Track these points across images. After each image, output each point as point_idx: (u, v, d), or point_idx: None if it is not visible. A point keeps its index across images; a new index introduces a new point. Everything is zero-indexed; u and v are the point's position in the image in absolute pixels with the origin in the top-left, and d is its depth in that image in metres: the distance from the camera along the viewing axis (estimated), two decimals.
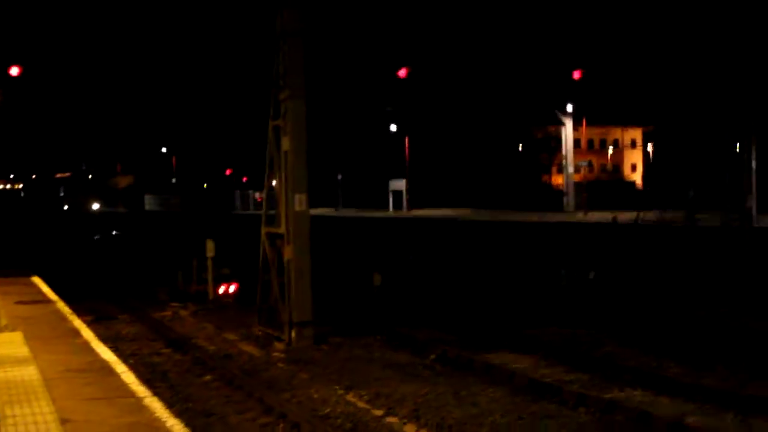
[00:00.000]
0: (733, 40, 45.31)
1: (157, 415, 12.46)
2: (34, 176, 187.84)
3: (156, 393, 14.68)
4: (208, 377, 21.03)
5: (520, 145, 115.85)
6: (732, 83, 46.02)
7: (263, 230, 27.01)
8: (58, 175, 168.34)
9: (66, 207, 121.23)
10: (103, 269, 46.64)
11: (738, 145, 47.27)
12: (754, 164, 49.52)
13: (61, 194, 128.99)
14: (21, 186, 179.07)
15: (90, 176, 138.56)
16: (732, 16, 42.50)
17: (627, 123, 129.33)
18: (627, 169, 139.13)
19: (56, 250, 59.41)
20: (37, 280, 32.43)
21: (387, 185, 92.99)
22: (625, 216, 59.30)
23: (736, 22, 44.70)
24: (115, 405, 13.07)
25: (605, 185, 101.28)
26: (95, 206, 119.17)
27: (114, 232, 79.17)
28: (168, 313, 31.87)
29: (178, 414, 13.78)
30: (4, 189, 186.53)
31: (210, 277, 34.59)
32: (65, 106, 63.61)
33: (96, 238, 73.22)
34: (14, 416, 12.19)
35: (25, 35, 39.01)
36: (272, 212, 26.91)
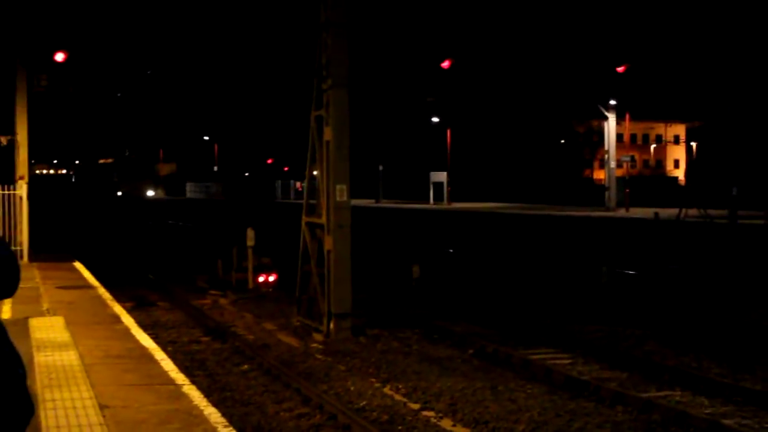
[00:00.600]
0: None
1: (195, 403, 12.53)
2: (77, 162, 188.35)
3: (194, 381, 14.77)
4: (246, 366, 21.12)
5: (562, 139, 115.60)
6: None
7: (304, 220, 27.04)
8: (101, 161, 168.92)
9: (120, 193, 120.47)
10: (145, 255, 46.82)
11: None
12: None
13: (115, 180, 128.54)
14: (72, 171, 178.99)
15: (135, 162, 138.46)
16: None
17: (670, 118, 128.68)
18: (670, 165, 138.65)
19: (102, 235, 59.59)
20: (78, 265, 32.59)
21: (428, 177, 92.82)
22: (668, 213, 59.05)
23: None
24: (154, 392, 13.15)
25: (648, 181, 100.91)
26: (150, 192, 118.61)
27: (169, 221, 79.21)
28: (207, 301, 31.99)
29: (216, 403, 13.84)
30: (54, 174, 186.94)
31: (250, 266, 34.68)
32: (109, 92, 63.57)
33: (149, 224, 73.09)
34: (53, 400, 12.27)
35: (70, 21, 39.12)
36: (313, 202, 26.94)
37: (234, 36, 47.33)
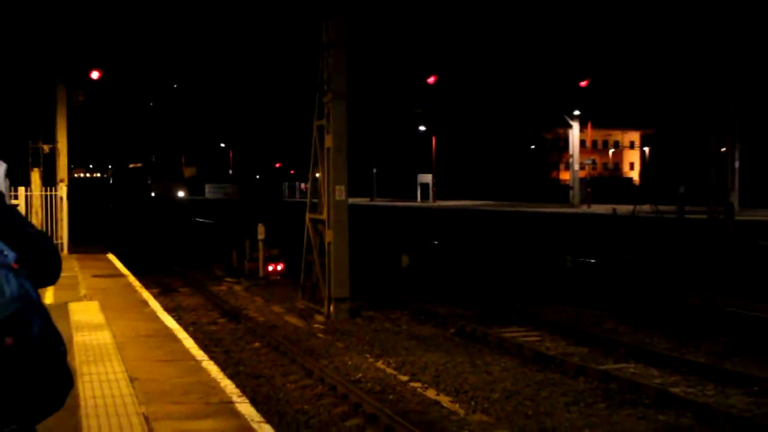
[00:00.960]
0: (721, 57, 45.13)
1: (212, 376, 12.57)
2: (110, 166, 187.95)
3: (212, 357, 14.80)
4: (257, 344, 21.15)
5: (532, 145, 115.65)
6: (719, 93, 45.79)
7: (307, 216, 27.08)
8: (131, 165, 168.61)
9: (153, 194, 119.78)
10: (170, 248, 46.80)
11: (723, 148, 47.00)
12: (737, 165, 49.28)
13: (149, 182, 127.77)
14: (107, 175, 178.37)
15: (162, 166, 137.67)
16: (719, 36, 42.26)
17: (626, 126, 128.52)
18: (626, 168, 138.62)
19: (134, 231, 59.43)
20: (111, 256, 32.61)
21: (415, 178, 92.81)
22: (624, 209, 59.07)
23: (724, 41, 44.55)
24: (177, 366, 13.20)
25: (606, 181, 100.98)
26: (181, 194, 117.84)
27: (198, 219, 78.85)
28: (223, 287, 31.99)
29: (231, 376, 13.88)
30: (91, 177, 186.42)
31: (261, 257, 34.71)
32: (138, 103, 63.62)
33: (182, 223, 72.59)
34: (90, 374, 12.32)
35: (104, 43, 39.31)
36: (315, 200, 26.98)
37: (247, 55, 47.31)
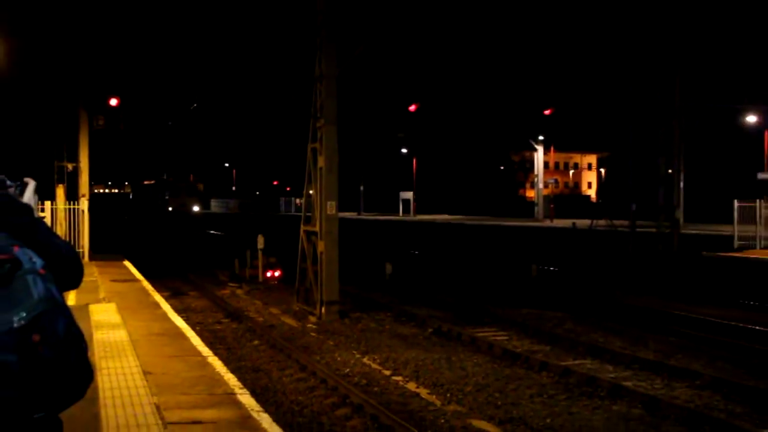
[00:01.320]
0: (668, 91, 45.39)
1: (217, 370, 12.56)
2: (126, 182, 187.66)
3: (216, 353, 14.79)
4: (256, 342, 21.13)
5: (502, 166, 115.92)
6: (667, 121, 46.03)
7: (302, 228, 27.08)
8: (145, 182, 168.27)
9: (170, 208, 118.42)
10: (180, 256, 46.71)
11: (670, 170, 47.19)
12: (681, 184, 49.51)
13: (166, 197, 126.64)
14: (125, 190, 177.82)
15: (180, 183, 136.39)
16: (661, 70, 42.42)
17: (585, 150, 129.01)
18: (584, 186, 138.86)
19: (149, 241, 59.16)
20: (127, 263, 32.53)
21: (398, 195, 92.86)
22: (582, 223, 59.17)
23: (670, 78, 44.78)
24: (186, 362, 13.18)
25: (567, 198, 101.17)
26: (196, 208, 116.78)
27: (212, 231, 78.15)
28: (227, 291, 31.95)
29: (233, 370, 13.86)
30: (111, 192, 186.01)
31: (260, 264, 34.70)
32: (151, 128, 63.74)
33: (196, 234, 71.79)
34: (108, 368, 12.30)
35: (121, 74, 39.45)
36: (309, 214, 26.98)
37: (250, 86, 47.39)
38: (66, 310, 2.98)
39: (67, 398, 3.08)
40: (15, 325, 2.82)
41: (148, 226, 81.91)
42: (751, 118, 56.39)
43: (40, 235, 3.20)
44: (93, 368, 3.11)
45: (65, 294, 3.10)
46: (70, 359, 2.98)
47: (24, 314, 2.83)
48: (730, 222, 38.24)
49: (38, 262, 2.96)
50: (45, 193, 34.40)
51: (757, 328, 21.53)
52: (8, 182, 3.39)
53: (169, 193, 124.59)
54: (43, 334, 2.86)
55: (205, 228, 79.99)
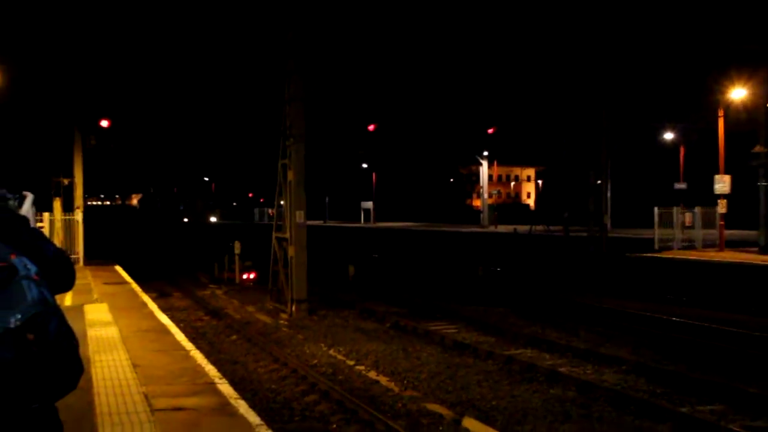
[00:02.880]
0: (597, 111, 45.75)
1: (199, 362, 12.52)
2: (116, 195, 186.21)
3: (198, 347, 14.73)
4: (234, 337, 21.06)
5: (452, 178, 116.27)
6: (595, 138, 46.41)
7: (274, 235, 27.06)
8: (133, 196, 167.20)
9: (186, 219, 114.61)
10: (166, 261, 46.42)
11: (599, 181, 47.57)
12: (609, 194, 49.94)
13: (181, 208, 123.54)
14: (136, 202, 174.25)
15: (197, 195, 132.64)
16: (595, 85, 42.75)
17: (524, 164, 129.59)
18: (524, 196, 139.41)
19: (142, 248, 58.06)
20: (118, 268, 32.32)
21: (359, 205, 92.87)
22: (522, 228, 59.49)
23: (599, 99, 45.16)
24: (171, 355, 13.11)
25: (509, 207, 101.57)
26: (213, 219, 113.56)
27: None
28: (208, 292, 31.80)
29: (214, 362, 13.79)
30: (104, 204, 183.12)
31: (237, 268, 34.61)
32: (138, 144, 63.42)
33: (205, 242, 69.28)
34: (101, 361, 12.22)
35: (111, 98, 39.33)
36: (280, 223, 26.96)
37: (226, 108, 47.30)
38: (57, 312, 2.97)
39: (60, 390, 3.06)
40: (11, 325, 2.81)
41: (161, 235, 78.23)
42: (668, 135, 57.05)
43: (35, 243, 3.19)
44: (85, 362, 3.09)
45: (61, 296, 3.09)
46: (61, 355, 2.97)
47: (19, 316, 2.83)
48: (652, 226, 38.58)
49: (32, 268, 2.96)
50: (43, 205, 34.16)
51: (675, 319, 21.76)
52: (8, 195, 3.38)
53: (184, 204, 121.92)
54: (36, 333, 2.85)
55: (221, 236, 78.76)
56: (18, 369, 2.88)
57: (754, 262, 30.83)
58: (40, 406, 3.05)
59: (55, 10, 32.26)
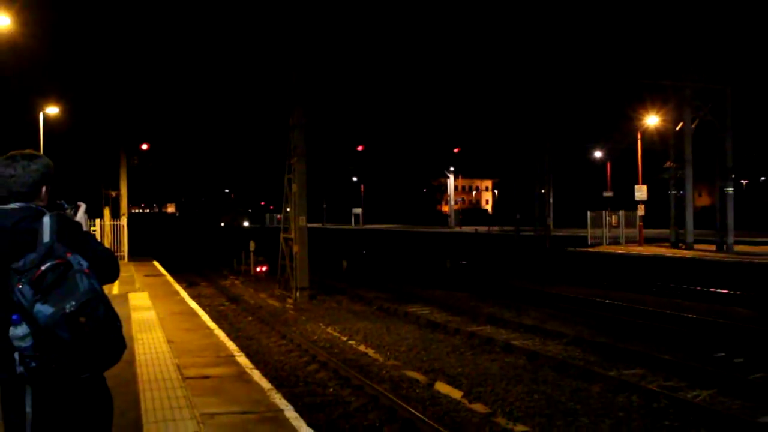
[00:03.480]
0: (541, 133, 45.83)
1: (221, 339, 12.46)
2: (154, 204, 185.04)
3: (220, 327, 14.66)
4: (250, 318, 21.01)
5: (425, 188, 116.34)
6: (540, 155, 46.53)
7: (281, 236, 27.02)
8: (168, 205, 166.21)
9: (222, 224, 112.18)
10: (195, 258, 46.23)
11: (543, 189, 47.71)
12: (551, 200, 50.03)
13: (218, 214, 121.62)
14: (175, 210, 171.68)
15: (231, 201, 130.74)
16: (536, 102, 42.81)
17: (483, 177, 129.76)
18: (483, 203, 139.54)
19: (179, 247, 57.12)
20: (156, 263, 32.14)
21: (351, 210, 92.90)
22: (482, 229, 59.62)
23: (543, 121, 45.26)
24: (198, 333, 13.06)
25: (471, 211, 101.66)
26: (246, 224, 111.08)
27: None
28: (228, 282, 31.71)
29: (233, 339, 13.76)
30: (145, 212, 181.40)
31: (252, 262, 34.50)
32: (172, 163, 63.42)
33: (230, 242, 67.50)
34: (142, 339, 12.16)
35: (151, 124, 39.54)
36: (287, 226, 26.94)
37: (243, 134, 47.34)
38: (105, 299, 2.97)
39: (106, 362, 3.07)
40: (67, 310, 2.82)
41: (201, 237, 75.91)
42: (598, 153, 57.30)
43: (87, 244, 3.20)
44: (129, 340, 3.09)
45: (109, 286, 3.09)
46: (107, 334, 2.98)
47: (74, 303, 2.83)
48: (586, 226, 38.70)
49: (84, 263, 2.97)
50: (95, 213, 34.06)
51: (607, 301, 21.83)
52: (65, 205, 3.39)
53: (221, 212, 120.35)
54: (88, 317, 2.86)
55: (241, 238, 78.42)
56: (72, 345, 2.88)
57: (666, 254, 30.98)
58: (90, 376, 3.06)
59: (104, 52, 32.22)
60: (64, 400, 3.04)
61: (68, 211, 3.40)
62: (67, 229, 3.17)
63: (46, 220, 3.11)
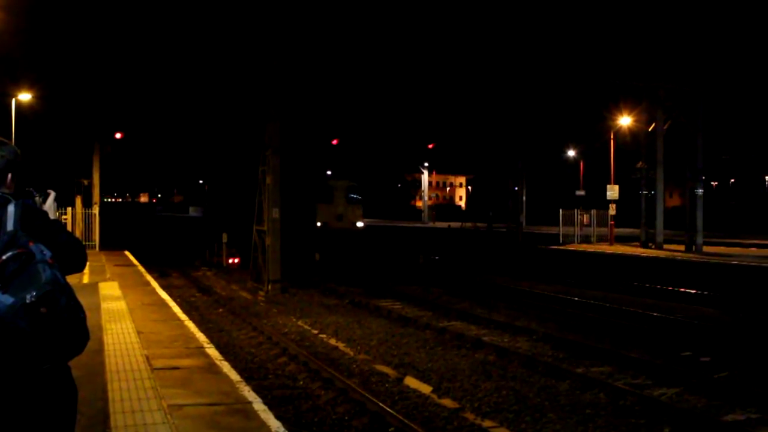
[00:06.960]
0: (514, 133, 46.06)
1: (191, 330, 12.39)
2: (126, 194, 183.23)
3: (191, 318, 14.57)
4: (221, 310, 20.90)
5: (399, 184, 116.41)
6: (514, 154, 46.76)
7: (254, 228, 26.89)
8: (141, 194, 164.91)
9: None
10: (167, 248, 45.87)
11: (516, 187, 47.94)
12: (524, 198, 50.27)
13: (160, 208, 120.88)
14: (156, 201, 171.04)
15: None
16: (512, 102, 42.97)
17: (457, 173, 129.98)
18: (457, 199, 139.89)
19: (149, 237, 56.72)
20: (128, 253, 31.86)
21: None
22: (455, 224, 59.83)
23: (516, 122, 45.44)
24: (168, 324, 12.96)
25: (445, 207, 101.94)
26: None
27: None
28: (200, 273, 31.53)
29: (203, 330, 13.67)
30: (116, 201, 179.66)
31: (224, 254, 34.33)
32: (145, 152, 62.91)
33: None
34: (111, 329, 12.04)
35: (124, 113, 39.06)
36: (260, 218, 26.80)
37: (219, 123, 47.05)
38: (68, 289, 2.93)
39: (68, 353, 3.03)
40: (27, 300, 2.77)
41: (173, 228, 75.10)
42: (571, 153, 57.68)
43: (53, 233, 3.15)
44: (95, 331, 3.04)
45: (79, 275, 3.05)
46: (69, 325, 2.93)
47: (34, 293, 2.79)
48: (558, 224, 38.94)
49: (47, 253, 2.92)
50: (66, 201, 33.73)
51: (576, 299, 21.97)
52: (34, 193, 3.35)
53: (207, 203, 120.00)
54: (49, 307, 2.82)
55: (215, 229, 77.83)
56: (32, 336, 2.83)
57: (636, 253, 31.25)
58: (51, 367, 3.01)
59: (80, 41, 31.80)
60: (24, 391, 3.00)
61: (37, 198, 3.36)
62: (31, 217, 3.12)
63: (11, 208, 3.06)
